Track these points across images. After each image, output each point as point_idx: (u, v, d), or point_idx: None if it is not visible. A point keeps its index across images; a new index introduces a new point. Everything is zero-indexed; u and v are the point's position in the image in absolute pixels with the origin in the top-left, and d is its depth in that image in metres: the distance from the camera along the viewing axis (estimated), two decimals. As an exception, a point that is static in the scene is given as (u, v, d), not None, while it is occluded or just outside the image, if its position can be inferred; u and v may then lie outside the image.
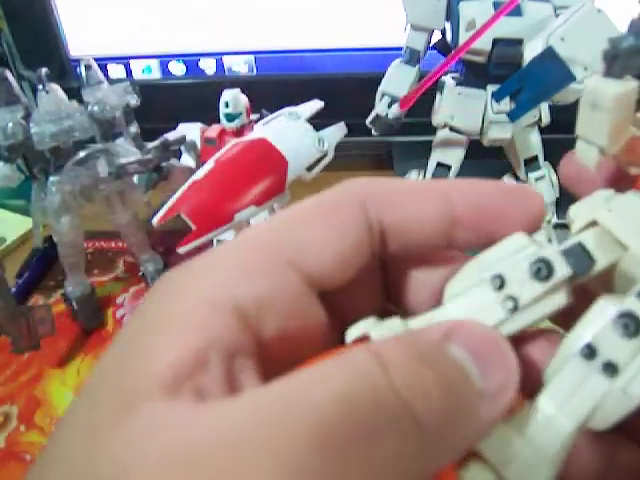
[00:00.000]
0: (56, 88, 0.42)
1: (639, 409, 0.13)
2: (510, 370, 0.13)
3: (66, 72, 0.64)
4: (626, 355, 0.13)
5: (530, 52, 0.37)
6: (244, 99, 0.48)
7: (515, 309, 0.14)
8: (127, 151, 0.43)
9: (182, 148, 0.49)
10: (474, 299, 0.14)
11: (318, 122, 0.38)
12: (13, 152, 0.41)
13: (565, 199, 0.48)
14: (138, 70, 0.66)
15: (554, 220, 0.49)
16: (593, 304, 0.14)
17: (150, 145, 0.44)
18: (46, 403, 0.43)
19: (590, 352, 0.13)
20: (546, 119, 0.47)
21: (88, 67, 0.43)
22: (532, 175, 0.49)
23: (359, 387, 0.11)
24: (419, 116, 0.48)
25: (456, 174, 0.49)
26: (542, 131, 0.49)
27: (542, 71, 0.36)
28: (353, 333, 0.15)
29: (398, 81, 0.47)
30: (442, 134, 0.49)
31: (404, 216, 0.16)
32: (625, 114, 0.15)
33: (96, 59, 0.45)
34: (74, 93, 0.43)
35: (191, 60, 0.65)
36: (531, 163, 0.49)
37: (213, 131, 0.49)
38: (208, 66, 0.65)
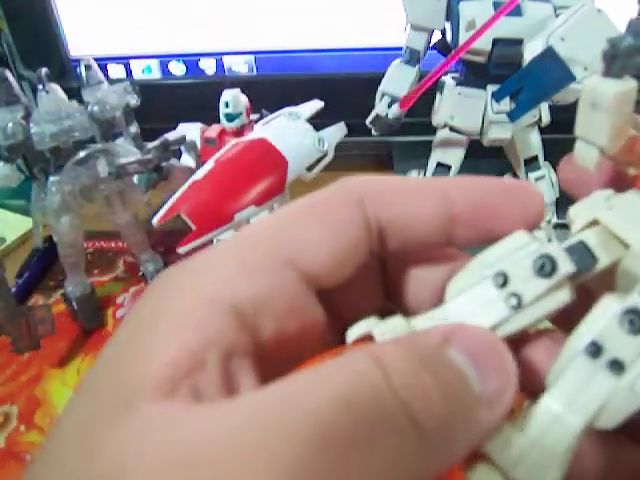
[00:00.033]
0: (56, 88, 0.42)
1: None
2: (508, 373, 0.13)
3: (66, 72, 0.64)
4: (632, 352, 0.13)
5: (530, 52, 0.37)
6: (244, 99, 0.48)
7: (519, 306, 0.14)
8: (127, 151, 0.43)
9: (182, 148, 0.49)
10: (477, 297, 0.14)
11: (318, 122, 0.38)
12: (13, 152, 0.42)
13: (565, 199, 0.47)
14: (138, 70, 0.66)
15: (554, 220, 0.49)
16: (597, 302, 0.14)
17: (150, 145, 0.44)
18: (46, 403, 0.43)
19: (596, 350, 0.13)
20: (546, 119, 0.47)
21: (88, 67, 0.43)
22: (532, 175, 0.49)
23: (358, 389, 0.11)
24: (419, 116, 0.48)
25: (456, 174, 0.49)
26: (542, 131, 0.49)
27: (542, 71, 0.36)
28: (354, 333, 0.14)
29: (398, 81, 0.47)
30: (442, 134, 0.49)
31: (403, 213, 0.15)
32: (624, 114, 0.15)
33: (96, 59, 0.45)
34: (74, 93, 0.43)
35: (191, 60, 0.64)
36: (531, 163, 0.49)
37: (213, 131, 0.49)
38: (208, 66, 0.65)
